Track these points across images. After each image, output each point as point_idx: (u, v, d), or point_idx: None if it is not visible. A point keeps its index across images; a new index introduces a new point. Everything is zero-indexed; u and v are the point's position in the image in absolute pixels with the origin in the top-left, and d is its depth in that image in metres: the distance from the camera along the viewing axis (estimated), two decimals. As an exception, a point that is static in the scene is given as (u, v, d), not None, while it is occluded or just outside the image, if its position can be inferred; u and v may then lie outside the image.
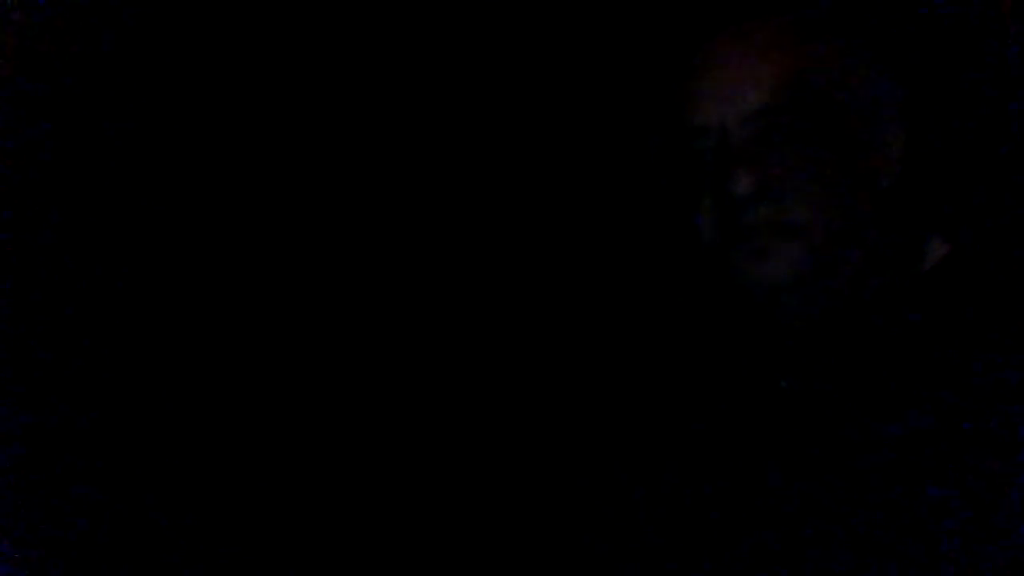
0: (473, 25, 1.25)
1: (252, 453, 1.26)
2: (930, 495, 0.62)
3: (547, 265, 1.27)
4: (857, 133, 0.69)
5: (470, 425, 1.26)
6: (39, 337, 1.19)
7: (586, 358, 1.26)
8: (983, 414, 0.62)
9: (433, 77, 1.27)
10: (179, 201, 1.28)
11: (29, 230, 1.20)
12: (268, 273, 1.28)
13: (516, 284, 1.26)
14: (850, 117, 0.68)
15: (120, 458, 1.26)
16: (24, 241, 1.20)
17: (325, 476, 1.26)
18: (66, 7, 1.21)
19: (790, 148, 0.67)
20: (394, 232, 1.28)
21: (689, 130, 0.70)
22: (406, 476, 1.25)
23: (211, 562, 1.24)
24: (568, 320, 1.27)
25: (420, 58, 1.27)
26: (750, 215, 0.67)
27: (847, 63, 0.69)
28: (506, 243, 1.27)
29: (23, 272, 1.20)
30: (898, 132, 0.72)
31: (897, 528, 0.63)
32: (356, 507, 1.26)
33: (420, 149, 1.28)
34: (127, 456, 1.26)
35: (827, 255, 0.67)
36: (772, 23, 0.70)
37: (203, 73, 1.26)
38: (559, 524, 1.22)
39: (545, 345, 1.26)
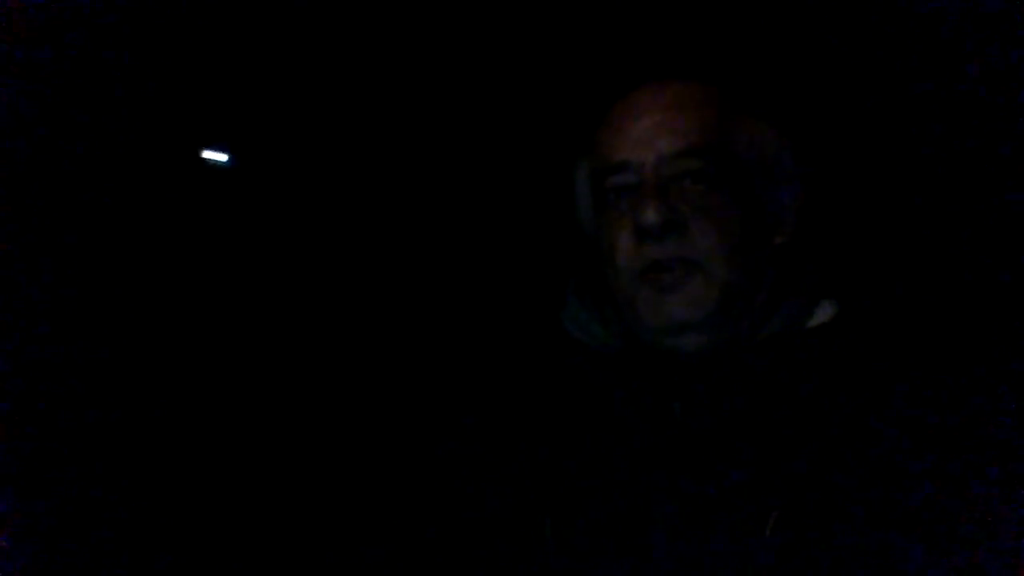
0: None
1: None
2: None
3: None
4: (756, 188, 0.79)
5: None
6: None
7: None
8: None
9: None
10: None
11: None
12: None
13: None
14: (751, 173, 0.78)
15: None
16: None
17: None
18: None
19: (697, 190, 0.75)
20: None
21: (610, 166, 0.78)
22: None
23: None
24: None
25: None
26: (656, 247, 0.74)
27: (752, 126, 0.79)
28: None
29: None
30: (794, 195, 0.81)
31: None
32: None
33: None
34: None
35: (727, 294, 0.75)
36: (690, 83, 0.80)
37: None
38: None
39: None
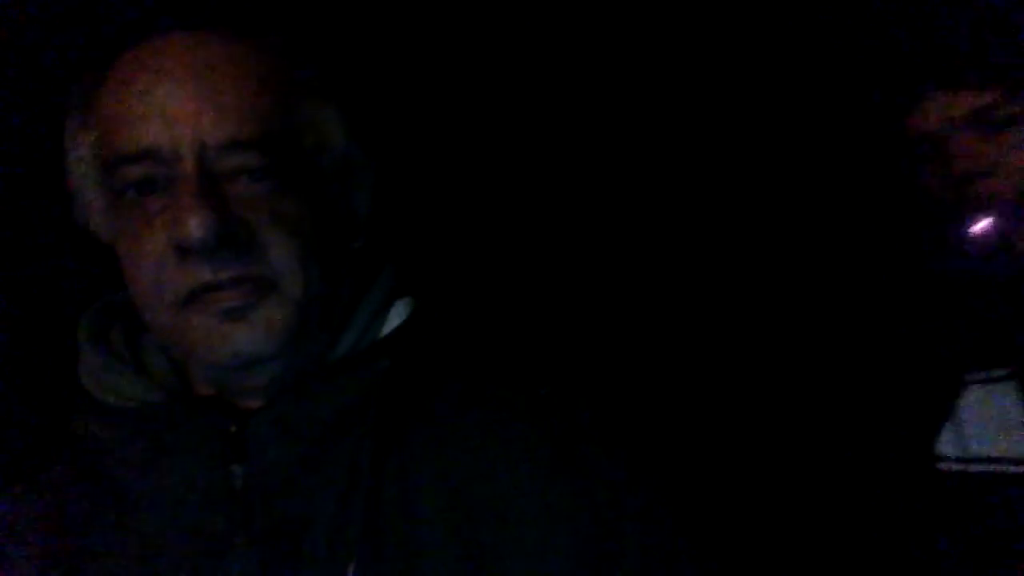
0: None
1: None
2: None
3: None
4: (325, 185, 0.65)
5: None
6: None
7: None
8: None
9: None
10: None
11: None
12: None
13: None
14: (319, 168, 0.64)
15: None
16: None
17: None
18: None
19: (258, 191, 0.59)
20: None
21: (126, 152, 0.58)
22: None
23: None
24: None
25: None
26: (206, 266, 0.57)
27: (317, 108, 0.65)
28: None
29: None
30: (366, 191, 0.70)
31: None
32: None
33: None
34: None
35: (306, 315, 0.61)
36: (240, 39, 0.61)
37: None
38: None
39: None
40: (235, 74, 0.59)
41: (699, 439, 1.18)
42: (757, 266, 1.36)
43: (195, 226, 0.55)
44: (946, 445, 0.94)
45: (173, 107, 0.57)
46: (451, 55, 1.31)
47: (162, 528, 0.60)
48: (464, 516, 0.60)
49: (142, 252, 0.58)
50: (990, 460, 0.90)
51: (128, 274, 0.61)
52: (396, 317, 0.69)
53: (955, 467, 0.93)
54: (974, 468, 0.91)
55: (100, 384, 0.64)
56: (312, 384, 0.62)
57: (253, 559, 0.58)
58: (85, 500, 0.62)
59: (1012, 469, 0.89)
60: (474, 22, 1.31)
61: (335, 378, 0.63)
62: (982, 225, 0.90)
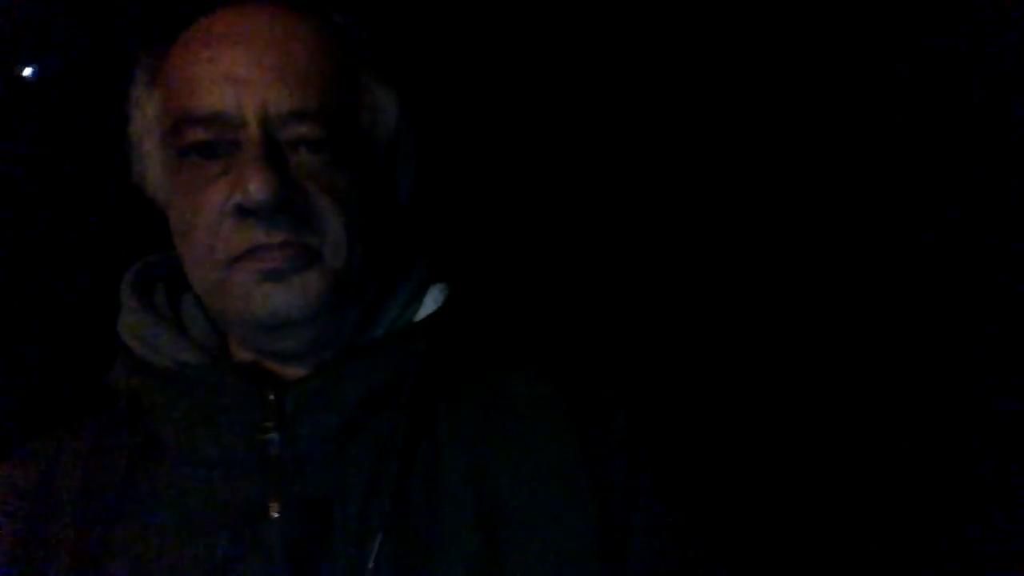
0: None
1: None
2: None
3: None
4: (377, 164, 0.67)
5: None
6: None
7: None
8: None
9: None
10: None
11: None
12: None
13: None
14: (373, 146, 0.66)
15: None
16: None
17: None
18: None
19: (317, 162, 0.61)
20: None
21: (193, 115, 0.60)
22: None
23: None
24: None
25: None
26: (263, 228, 0.59)
27: (375, 87, 0.66)
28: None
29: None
30: (411, 172, 0.72)
31: None
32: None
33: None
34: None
35: (343, 287, 0.63)
36: (306, 13, 0.63)
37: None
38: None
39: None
40: (301, 47, 0.60)
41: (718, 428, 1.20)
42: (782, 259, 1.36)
43: (258, 189, 0.57)
44: None
45: (241, 74, 0.59)
46: (488, 49, 1.33)
47: (198, 490, 0.61)
48: (487, 497, 0.62)
49: (200, 211, 0.60)
50: None
51: (181, 232, 0.62)
52: (431, 302, 0.70)
53: None
54: None
55: (141, 340, 0.65)
56: (352, 360, 0.64)
57: (286, 527, 0.59)
58: (122, 455, 0.64)
59: None
60: (511, 19, 1.32)
61: (373, 356, 0.64)
62: None
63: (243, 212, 0.59)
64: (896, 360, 1.16)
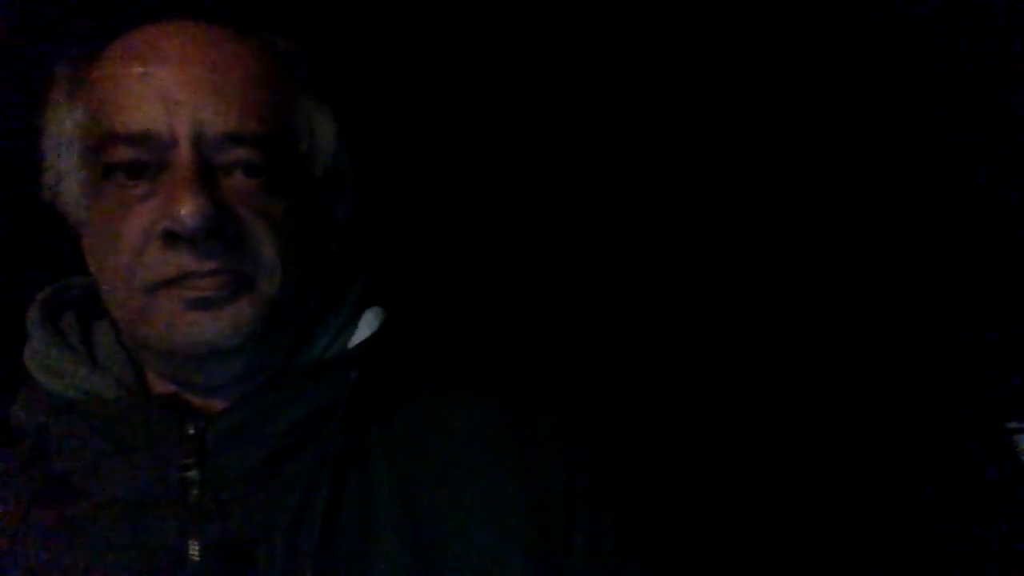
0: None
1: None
2: None
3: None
4: (312, 189, 0.64)
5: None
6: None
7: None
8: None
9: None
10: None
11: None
12: None
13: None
14: (309, 171, 0.63)
15: None
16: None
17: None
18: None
19: (252, 187, 0.58)
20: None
21: (120, 133, 0.56)
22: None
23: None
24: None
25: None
26: (192, 254, 0.55)
27: (313, 110, 0.64)
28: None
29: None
30: (348, 197, 0.69)
31: None
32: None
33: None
34: None
35: (275, 315, 0.59)
36: (244, 32, 0.61)
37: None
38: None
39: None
40: (240, 69, 0.58)
41: (683, 438, 1.19)
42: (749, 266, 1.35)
43: (189, 213, 0.54)
44: None
45: (175, 93, 0.56)
46: (430, 68, 1.31)
47: (110, 534, 0.56)
48: (421, 523, 0.60)
49: (123, 233, 0.56)
50: None
51: (100, 255, 0.58)
52: (366, 327, 0.68)
53: None
54: None
55: (49, 372, 0.61)
56: (277, 390, 0.60)
57: (205, 570, 0.55)
58: (20, 499, 0.59)
59: None
60: (456, 36, 1.30)
61: (301, 385, 0.61)
62: None
63: (172, 237, 0.55)
64: (887, 360, 1.15)
